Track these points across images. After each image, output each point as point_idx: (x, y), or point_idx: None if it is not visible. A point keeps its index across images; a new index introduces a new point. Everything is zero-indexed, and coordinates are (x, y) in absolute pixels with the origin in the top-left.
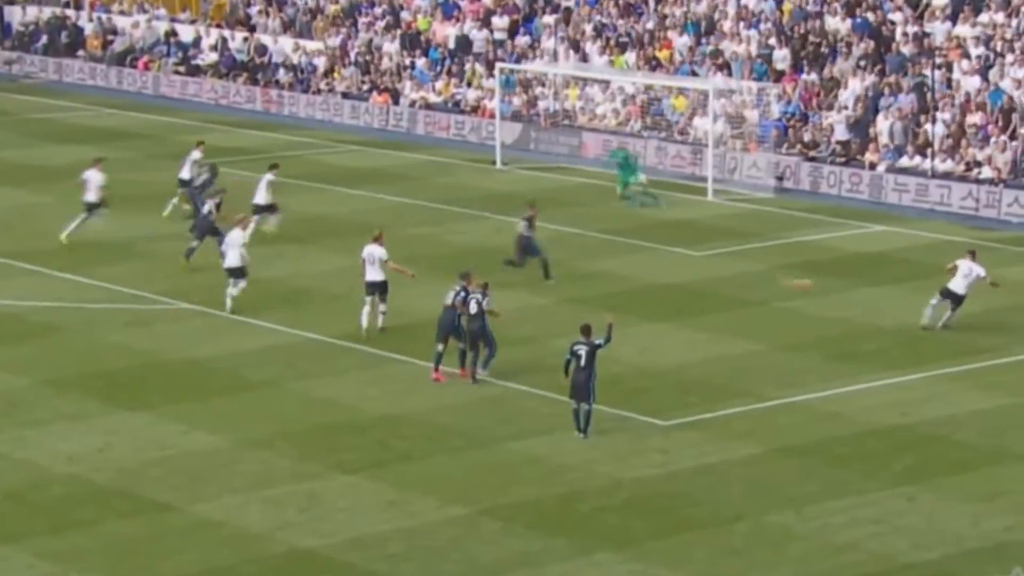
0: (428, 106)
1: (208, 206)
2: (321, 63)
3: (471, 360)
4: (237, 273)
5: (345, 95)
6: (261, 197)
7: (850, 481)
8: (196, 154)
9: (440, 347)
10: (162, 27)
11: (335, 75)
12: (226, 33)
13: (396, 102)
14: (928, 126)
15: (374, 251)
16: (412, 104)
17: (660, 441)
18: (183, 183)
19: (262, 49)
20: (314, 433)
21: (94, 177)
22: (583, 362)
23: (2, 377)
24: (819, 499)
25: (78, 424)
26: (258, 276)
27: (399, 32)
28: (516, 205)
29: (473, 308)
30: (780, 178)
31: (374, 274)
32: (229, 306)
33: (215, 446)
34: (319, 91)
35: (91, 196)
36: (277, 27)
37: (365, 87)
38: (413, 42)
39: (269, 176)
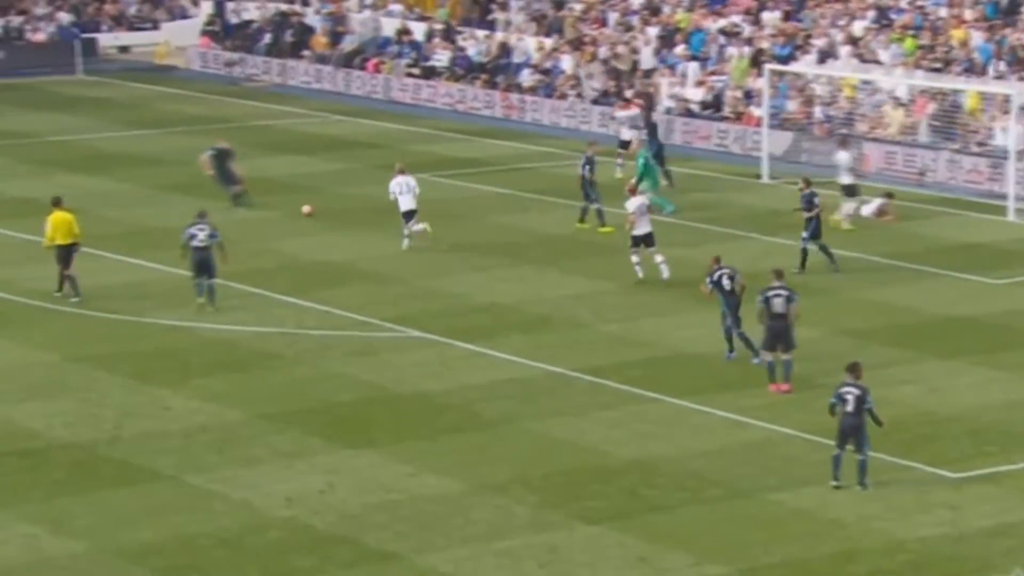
0: (687, 112)
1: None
2: (568, 64)
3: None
4: (412, 215)
5: (595, 100)
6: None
7: None
8: (620, 113)
9: (770, 357)
10: (394, 24)
11: (583, 78)
12: (464, 31)
13: (651, 108)
14: None
15: (644, 202)
16: (668, 111)
17: (949, 496)
18: (623, 145)
19: (503, 49)
20: (554, 478)
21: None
22: (851, 407)
23: (216, 410)
24: None
25: (297, 463)
26: (492, 302)
27: (656, 29)
28: (783, 224)
29: (779, 307)
30: None
31: (645, 226)
32: (410, 243)
33: (445, 490)
34: (565, 96)
35: (846, 179)
36: (520, 24)
37: (617, 91)
38: (671, 40)
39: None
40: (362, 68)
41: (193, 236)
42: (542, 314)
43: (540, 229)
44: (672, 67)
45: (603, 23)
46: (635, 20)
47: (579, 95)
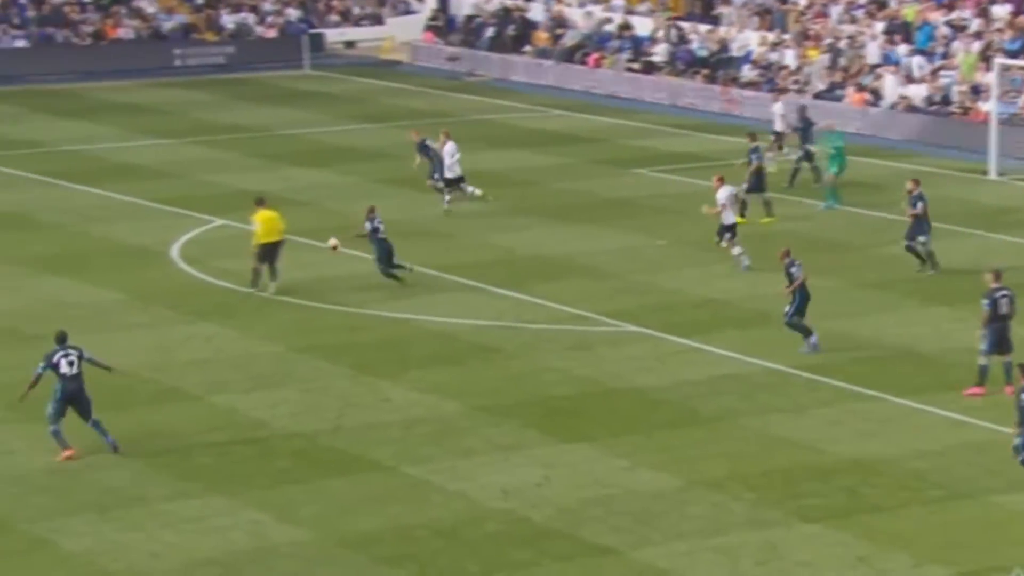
0: (911, 108)
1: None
2: (790, 58)
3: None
4: (459, 182)
5: (817, 95)
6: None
7: None
8: (779, 106)
9: (984, 360)
10: (616, 19)
11: (805, 71)
12: (685, 25)
13: (875, 103)
14: None
15: (733, 192)
16: (893, 106)
17: None
18: (777, 135)
19: (725, 43)
20: (772, 476)
21: None
22: None
23: (434, 401)
24: None
25: (514, 455)
26: (709, 297)
27: (883, 21)
28: (1011, 222)
29: (1005, 308)
30: None
31: (732, 216)
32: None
33: (662, 485)
34: (786, 90)
35: None
36: (743, 18)
37: (840, 85)
38: (899, 33)
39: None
40: (582, 63)
41: (377, 229)
42: (760, 310)
43: (758, 225)
44: (897, 63)
45: (827, 17)
46: (860, 14)
47: (800, 90)
